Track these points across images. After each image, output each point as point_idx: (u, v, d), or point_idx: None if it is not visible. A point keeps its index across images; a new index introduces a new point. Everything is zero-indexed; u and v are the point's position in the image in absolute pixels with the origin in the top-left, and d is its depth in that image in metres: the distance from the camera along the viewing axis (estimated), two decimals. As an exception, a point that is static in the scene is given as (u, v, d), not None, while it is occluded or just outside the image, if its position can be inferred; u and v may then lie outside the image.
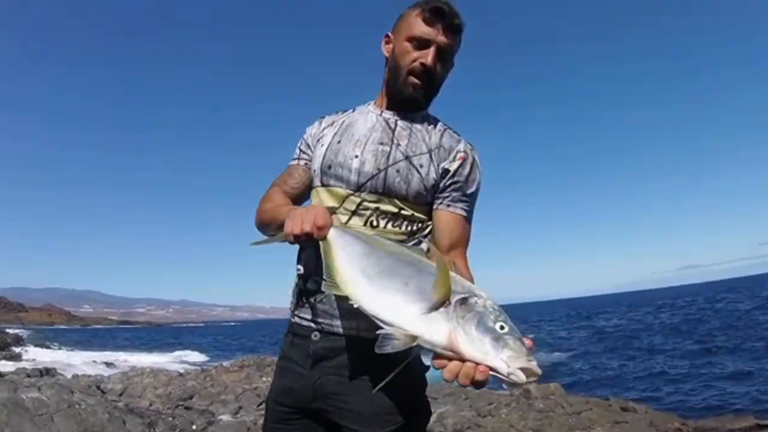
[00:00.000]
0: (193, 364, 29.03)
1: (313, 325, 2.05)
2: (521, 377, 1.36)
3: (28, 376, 12.74)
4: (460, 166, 2.04)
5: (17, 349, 36.35)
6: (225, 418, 10.99)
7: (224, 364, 19.28)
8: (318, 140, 2.20)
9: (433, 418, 11.33)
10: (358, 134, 2.12)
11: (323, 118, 2.29)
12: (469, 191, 2.06)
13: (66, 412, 8.00)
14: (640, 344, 28.07)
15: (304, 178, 2.20)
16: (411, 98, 2.09)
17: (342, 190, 2.05)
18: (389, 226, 2.01)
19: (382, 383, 1.78)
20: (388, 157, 2.02)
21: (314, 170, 2.16)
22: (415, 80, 2.06)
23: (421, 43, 2.04)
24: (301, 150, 2.28)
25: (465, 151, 2.07)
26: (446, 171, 2.03)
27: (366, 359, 1.82)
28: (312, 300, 2.05)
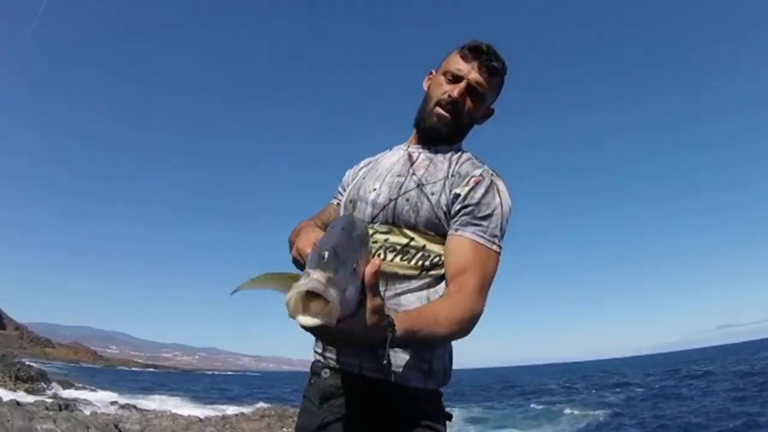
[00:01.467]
0: (214, 410, 28.66)
1: (322, 360, 2.02)
2: None
3: (47, 408, 12.56)
4: (472, 189, 1.95)
5: (40, 383, 36.31)
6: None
7: (245, 412, 19.06)
8: (353, 179, 2.25)
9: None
10: (381, 169, 2.15)
11: (364, 159, 2.35)
12: (482, 214, 1.93)
13: (78, 446, 7.82)
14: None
15: (334, 215, 2.22)
16: (434, 128, 2.10)
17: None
18: (397, 259, 1.93)
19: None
20: (400, 188, 2.01)
21: (342, 205, 2.20)
22: (441, 111, 2.08)
23: (455, 78, 2.08)
24: (338, 191, 2.34)
25: (481, 175, 1.99)
26: (457, 195, 1.95)
27: (365, 400, 1.83)
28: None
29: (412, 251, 1.94)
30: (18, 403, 11.00)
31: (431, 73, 2.23)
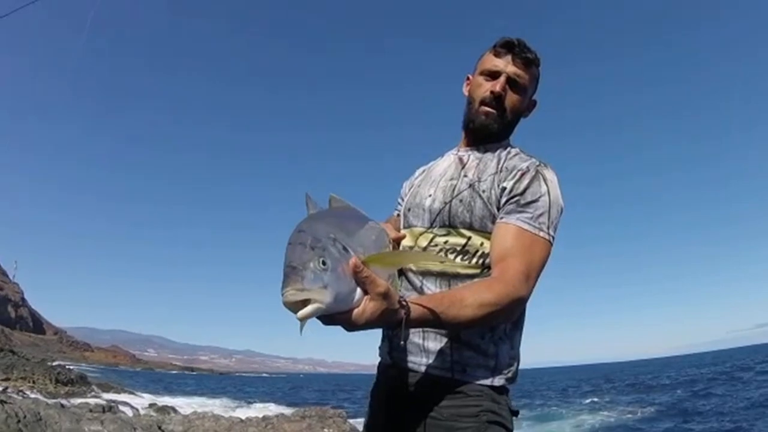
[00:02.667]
0: (254, 411, 28.79)
1: (388, 359, 2.07)
2: None
3: (90, 410, 12.66)
4: (518, 181, 1.97)
5: (80, 386, 36.76)
6: (288, 466, 10.74)
7: (285, 413, 19.07)
8: (410, 189, 2.30)
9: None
10: (435, 175, 2.20)
11: (419, 168, 2.41)
12: (526, 201, 1.93)
13: (126, 447, 7.84)
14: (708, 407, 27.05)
15: (396, 225, 2.26)
16: (483, 126, 2.13)
17: (417, 229, 2.10)
18: (458, 259, 1.97)
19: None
20: (453, 190, 2.05)
21: (401, 215, 2.25)
22: (487, 108, 2.12)
23: (492, 74, 2.13)
24: (398, 202, 2.42)
25: (527, 167, 2.00)
26: (503, 189, 1.97)
27: (431, 397, 1.86)
28: (390, 333, 2.07)
29: (471, 250, 1.97)
30: (62, 406, 11.09)
31: (468, 78, 2.27)
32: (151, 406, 26.83)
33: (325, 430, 16.36)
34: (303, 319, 1.34)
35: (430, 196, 2.11)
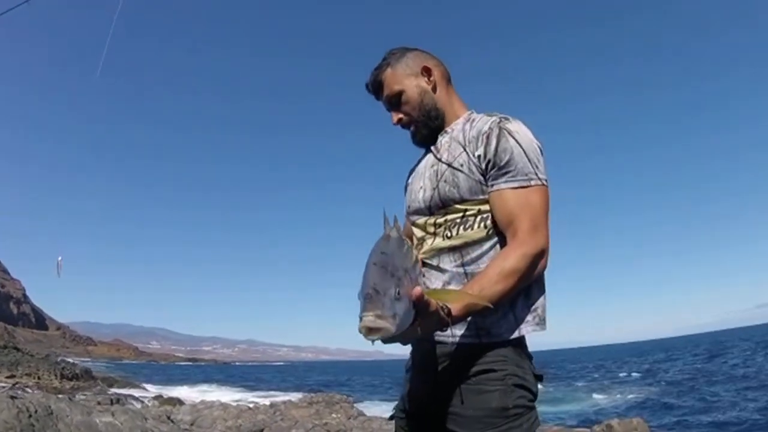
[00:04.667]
0: (261, 399, 28.87)
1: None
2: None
3: (99, 403, 12.68)
4: (486, 144, 1.99)
5: (86, 381, 36.88)
6: (297, 451, 10.79)
7: (293, 399, 19.15)
8: (405, 190, 2.39)
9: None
10: (420, 169, 2.26)
11: (410, 170, 2.45)
12: (503, 162, 1.97)
13: (139, 437, 7.85)
14: (723, 386, 27.08)
15: (410, 228, 2.29)
16: (418, 142, 2.29)
17: (421, 220, 2.17)
18: (461, 230, 2.03)
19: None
20: (436, 174, 2.11)
21: (405, 216, 2.32)
22: (408, 130, 2.29)
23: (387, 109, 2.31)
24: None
25: (489, 128, 2.02)
26: (478, 157, 2.00)
27: (461, 363, 1.95)
28: None
29: (471, 218, 2.02)
30: (71, 399, 11.10)
31: None
32: (157, 397, 26.92)
33: (333, 415, 16.43)
34: (371, 340, 1.47)
35: (421, 188, 2.18)
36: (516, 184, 1.95)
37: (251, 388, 47.42)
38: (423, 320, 1.58)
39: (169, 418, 11.89)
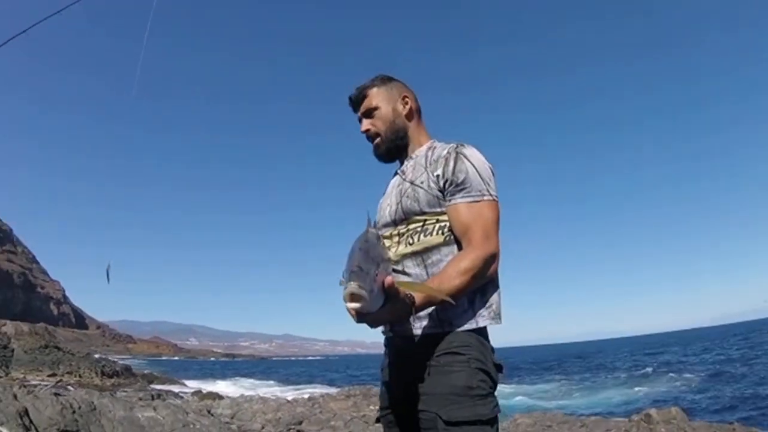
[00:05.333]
0: (299, 392, 29.05)
1: (390, 332, 2.44)
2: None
3: (140, 399, 12.84)
4: (445, 166, 2.32)
5: (126, 378, 37.36)
6: (337, 442, 10.86)
7: (330, 393, 19.23)
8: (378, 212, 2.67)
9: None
10: (388, 190, 2.61)
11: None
12: (459, 180, 2.28)
13: (180, 431, 7.95)
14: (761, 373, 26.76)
15: None
16: (376, 156, 2.60)
17: (387, 232, 2.47)
18: (421, 237, 2.33)
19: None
20: (400, 192, 2.44)
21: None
22: (371, 143, 2.60)
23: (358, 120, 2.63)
24: None
25: (448, 153, 2.36)
26: (437, 176, 2.32)
27: (429, 351, 2.21)
28: None
29: (430, 227, 2.33)
30: (113, 395, 11.26)
31: None
32: (197, 392, 27.18)
33: (371, 407, 16.48)
34: (351, 307, 1.78)
35: (388, 204, 2.51)
36: (470, 199, 2.26)
37: (289, 382, 47.81)
38: (391, 305, 1.91)
39: (209, 412, 11.98)
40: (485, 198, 2.27)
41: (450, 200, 2.29)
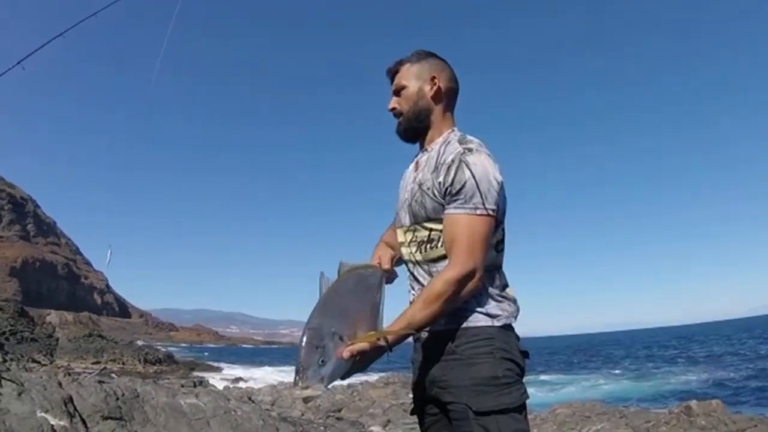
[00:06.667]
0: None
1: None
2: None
3: (182, 386, 13.04)
4: (446, 174, 2.27)
5: (169, 365, 37.96)
6: (375, 429, 11.00)
7: (370, 380, 19.34)
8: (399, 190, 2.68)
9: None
10: (405, 180, 2.59)
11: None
12: (456, 191, 2.24)
13: (222, 417, 8.03)
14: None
15: (392, 238, 2.69)
16: (399, 134, 2.56)
17: (401, 229, 2.50)
18: (428, 248, 2.37)
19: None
20: (411, 192, 2.45)
21: (396, 213, 2.63)
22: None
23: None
24: None
25: (452, 161, 2.29)
26: (439, 183, 2.29)
27: (451, 345, 2.26)
28: None
29: (435, 237, 2.35)
30: (156, 383, 11.44)
31: None
32: (238, 379, 27.54)
33: (410, 395, 16.48)
34: (310, 399, 2.09)
35: (405, 199, 2.49)
36: (462, 211, 2.23)
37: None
38: (362, 358, 2.05)
39: (250, 398, 12.11)
40: (478, 212, 2.23)
41: (446, 209, 2.28)
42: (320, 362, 1.93)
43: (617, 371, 38.65)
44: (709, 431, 9.47)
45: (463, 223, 2.23)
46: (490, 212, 2.23)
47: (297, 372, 1.92)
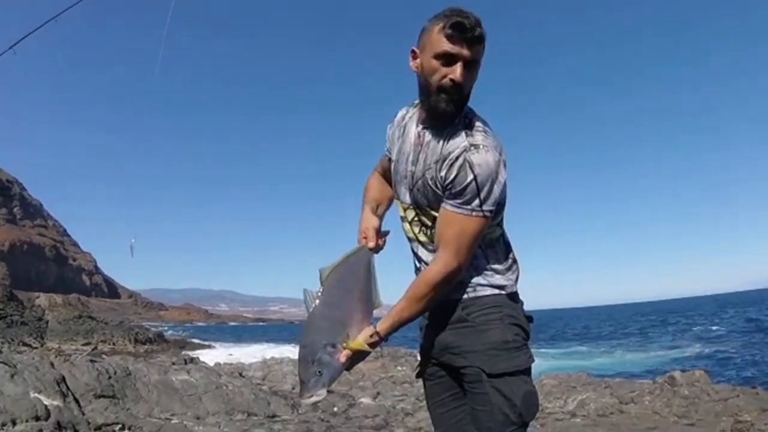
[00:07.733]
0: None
1: None
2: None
3: (173, 364, 13.14)
4: (449, 169, 2.20)
5: (159, 344, 38.10)
6: (365, 401, 11.10)
7: (359, 354, 19.53)
8: (393, 147, 2.55)
9: (574, 404, 11.15)
10: (405, 152, 2.41)
11: (395, 118, 2.59)
12: (456, 191, 2.19)
13: (214, 392, 8.17)
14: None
15: (387, 166, 2.63)
16: (444, 113, 2.22)
17: (402, 204, 2.46)
18: (431, 233, 2.36)
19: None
20: (413, 177, 2.35)
21: (393, 168, 2.54)
22: (447, 96, 2.19)
23: (448, 60, 2.15)
24: (387, 148, 2.66)
25: (456, 157, 2.19)
26: (442, 176, 2.22)
27: (461, 313, 2.32)
28: None
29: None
30: (147, 361, 11.55)
31: (414, 51, 2.29)
32: (229, 356, 27.65)
33: (399, 368, 16.77)
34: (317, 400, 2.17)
35: (405, 177, 2.39)
36: (459, 210, 2.19)
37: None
38: (359, 356, 2.19)
39: (241, 374, 12.27)
40: (474, 214, 2.18)
41: (444, 202, 2.24)
42: (318, 373, 2.11)
43: (606, 343, 39.00)
44: (692, 400, 9.61)
45: (456, 222, 2.21)
46: (487, 214, 2.20)
47: (301, 386, 2.14)
